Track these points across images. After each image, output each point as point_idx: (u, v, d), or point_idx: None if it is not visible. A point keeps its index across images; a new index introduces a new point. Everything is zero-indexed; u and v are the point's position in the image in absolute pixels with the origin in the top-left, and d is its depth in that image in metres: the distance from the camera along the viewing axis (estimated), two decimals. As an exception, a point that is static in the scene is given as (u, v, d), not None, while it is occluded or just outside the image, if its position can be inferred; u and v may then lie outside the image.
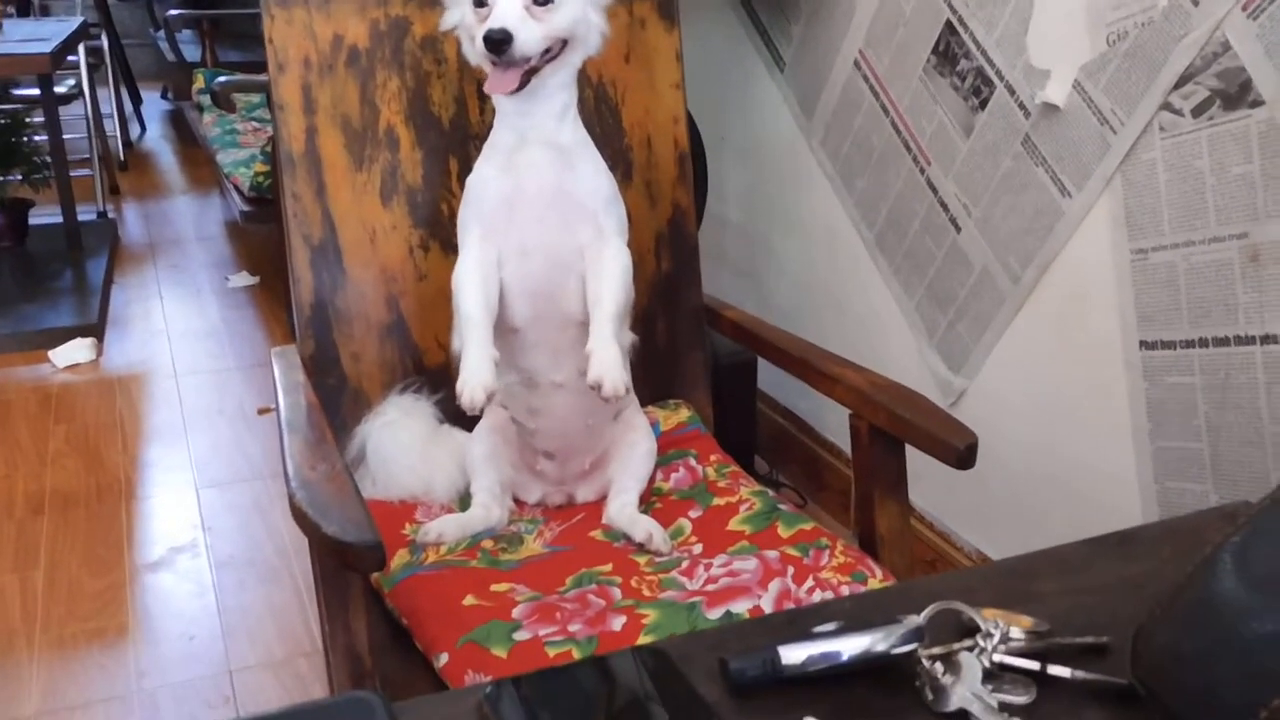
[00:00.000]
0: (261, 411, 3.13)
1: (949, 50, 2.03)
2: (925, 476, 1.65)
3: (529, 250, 1.57)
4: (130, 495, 2.77)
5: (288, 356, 1.70)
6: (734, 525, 1.60)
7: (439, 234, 1.78)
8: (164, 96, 6.79)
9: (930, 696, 0.75)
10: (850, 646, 0.75)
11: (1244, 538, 0.69)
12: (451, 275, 1.57)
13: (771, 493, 1.69)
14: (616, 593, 1.45)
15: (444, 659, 1.33)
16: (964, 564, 2.17)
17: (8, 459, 2.93)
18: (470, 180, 1.60)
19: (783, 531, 1.56)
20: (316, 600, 1.41)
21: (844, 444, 2.44)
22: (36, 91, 4.14)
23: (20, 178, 4.17)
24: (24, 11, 5.90)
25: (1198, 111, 1.60)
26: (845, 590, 1.44)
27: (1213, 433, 1.65)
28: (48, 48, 3.88)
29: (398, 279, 1.76)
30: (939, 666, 0.76)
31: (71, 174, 4.21)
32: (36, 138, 4.23)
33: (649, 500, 1.70)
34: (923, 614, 0.78)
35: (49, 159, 4.12)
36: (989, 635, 0.78)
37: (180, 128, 6.19)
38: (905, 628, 0.75)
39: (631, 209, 1.70)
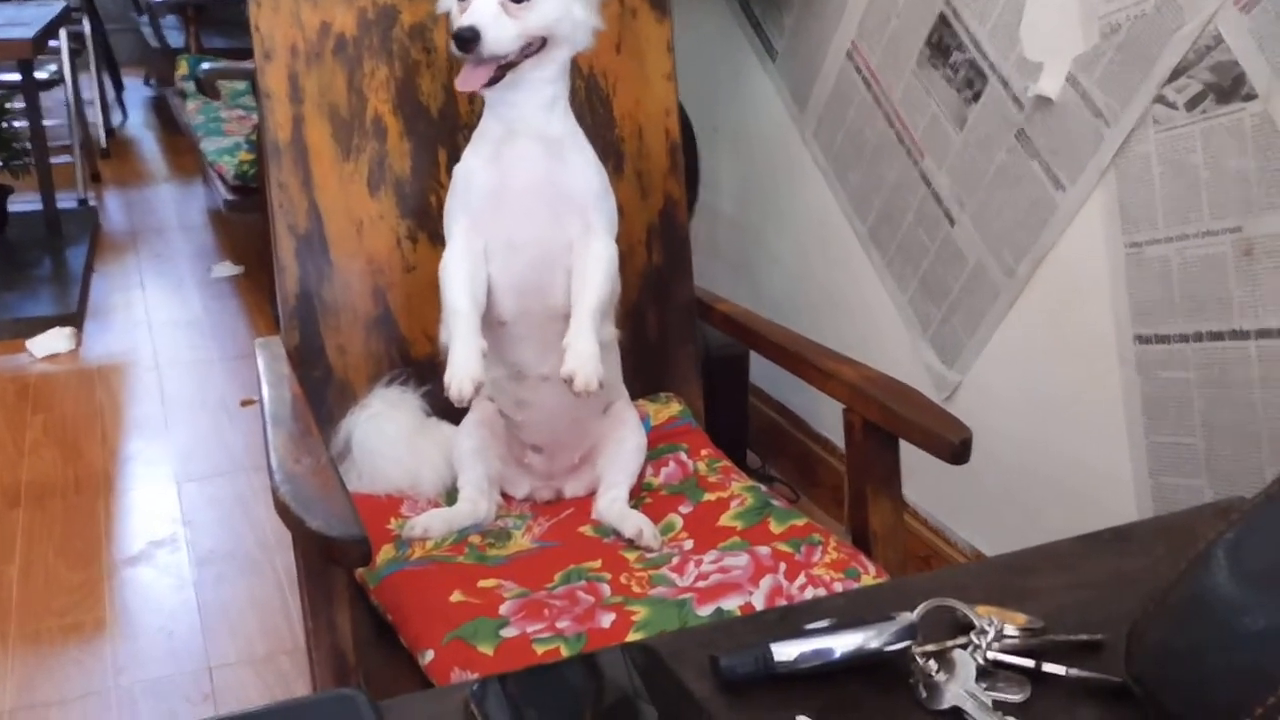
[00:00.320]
0: (244, 404, 3.12)
1: (942, 42, 2.03)
2: (919, 472, 1.66)
3: (517, 244, 1.57)
4: (109, 488, 2.76)
5: (272, 348, 1.70)
6: (725, 521, 1.61)
7: (427, 225, 1.78)
8: (147, 83, 6.76)
9: (924, 694, 0.75)
10: (843, 644, 0.75)
11: (1238, 533, 0.70)
12: (439, 267, 1.58)
13: (763, 488, 1.69)
14: (606, 589, 1.45)
15: (430, 656, 1.33)
16: (958, 560, 2.17)
17: (-15, 451, 2.92)
18: (457, 170, 1.60)
19: (775, 527, 1.57)
20: (299, 596, 1.41)
21: (837, 439, 2.45)
22: (17, 77, 4.12)
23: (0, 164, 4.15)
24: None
25: (1191, 105, 1.60)
26: (838, 587, 1.44)
27: (1207, 428, 1.66)
28: (29, 33, 3.86)
29: (385, 270, 1.76)
30: (933, 664, 0.76)
31: (52, 161, 4.20)
32: (16, 124, 4.21)
33: (639, 495, 1.70)
34: (916, 611, 0.78)
35: (29, 145, 4.10)
36: (983, 632, 0.78)
37: (163, 115, 6.17)
38: (899, 625, 0.76)
39: (623, 200, 1.70)
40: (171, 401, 3.20)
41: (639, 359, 1.88)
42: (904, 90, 2.14)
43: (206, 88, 4.81)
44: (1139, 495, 1.78)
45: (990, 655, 0.77)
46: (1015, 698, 0.75)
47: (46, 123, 4.19)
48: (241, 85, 4.79)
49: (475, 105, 1.77)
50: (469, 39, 1.47)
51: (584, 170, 1.58)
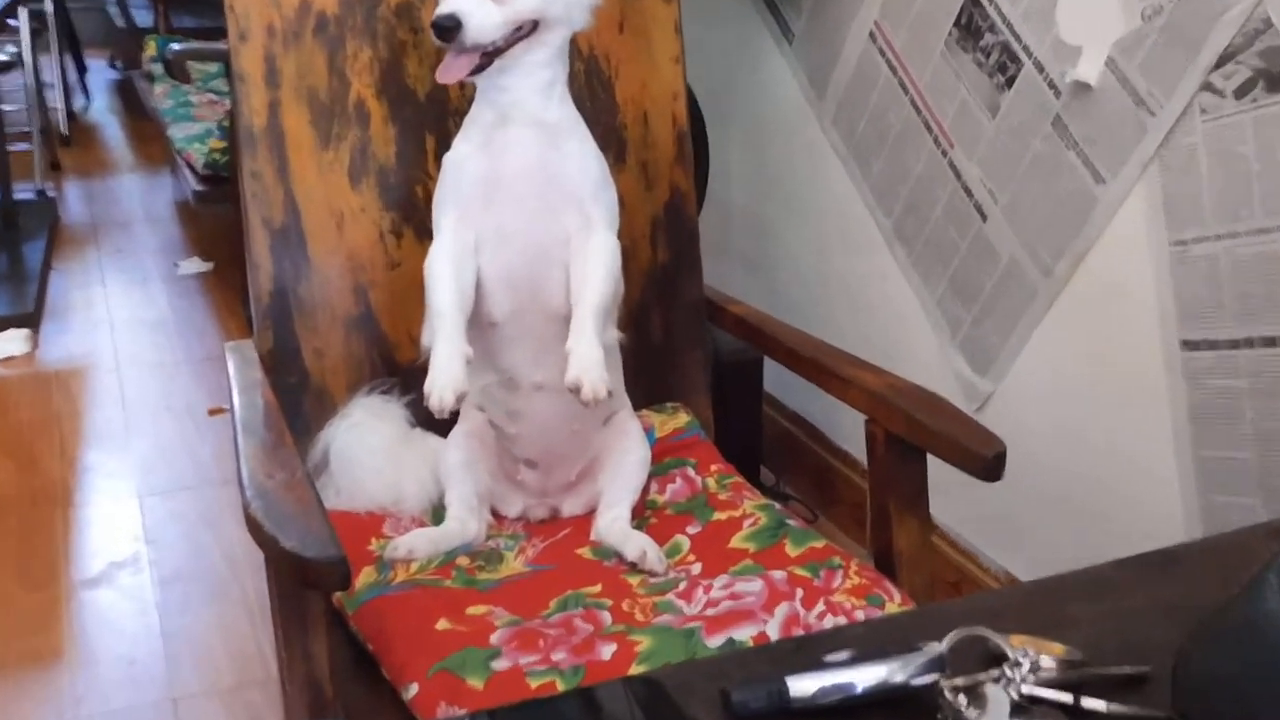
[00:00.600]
0: (213, 412, 3.12)
1: (972, 23, 2.03)
2: (948, 489, 1.65)
3: (508, 236, 1.56)
4: (67, 502, 2.76)
5: (243, 351, 1.70)
6: (736, 542, 1.60)
7: (413, 218, 1.78)
8: (112, 65, 6.77)
9: (952, 732, 0.75)
10: (865, 677, 0.75)
11: (1297, 558, 0.69)
12: (424, 263, 1.57)
13: (778, 506, 1.69)
14: (606, 617, 1.45)
15: (414, 689, 1.32)
16: (990, 585, 2.17)
17: (-67, 462, 2.93)
18: (447, 158, 1.60)
19: (791, 549, 1.56)
20: (271, 622, 1.41)
21: (859, 453, 2.44)
22: (-30, 59, 4.14)
23: (-49, 153, 4.16)
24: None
25: (1240, 93, 1.60)
26: (860, 615, 1.44)
27: (1260, 440, 1.65)
28: (-16, 11, 3.87)
29: (367, 267, 1.76)
30: (963, 699, 0.76)
31: (9, 148, 4.20)
32: (-30, 109, 4.23)
33: (642, 515, 1.70)
34: (945, 641, 0.78)
35: (-17, 133, 4.11)
36: (1017, 664, 0.78)
37: (129, 99, 6.18)
38: (925, 656, 0.75)
39: (625, 192, 1.70)
40: (134, 408, 3.20)
41: (642, 365, 1.88)
42: (931, 75, 2.14)
43: (176, 70, 4.81)
44: (1186, 514, 1.78)
45: (1025, 689, 0.77)
46: (1052, 736, 0.75)
47: (4, 108, 4.20)
48: (213, 68, 4.80)
49: (466, 89, 1.77)
50: (449, 28, 1.47)
51: (582, 159, 1.58)
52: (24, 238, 4.20)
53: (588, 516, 1.68)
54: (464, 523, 1.63)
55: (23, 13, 4.64)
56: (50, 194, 4.73)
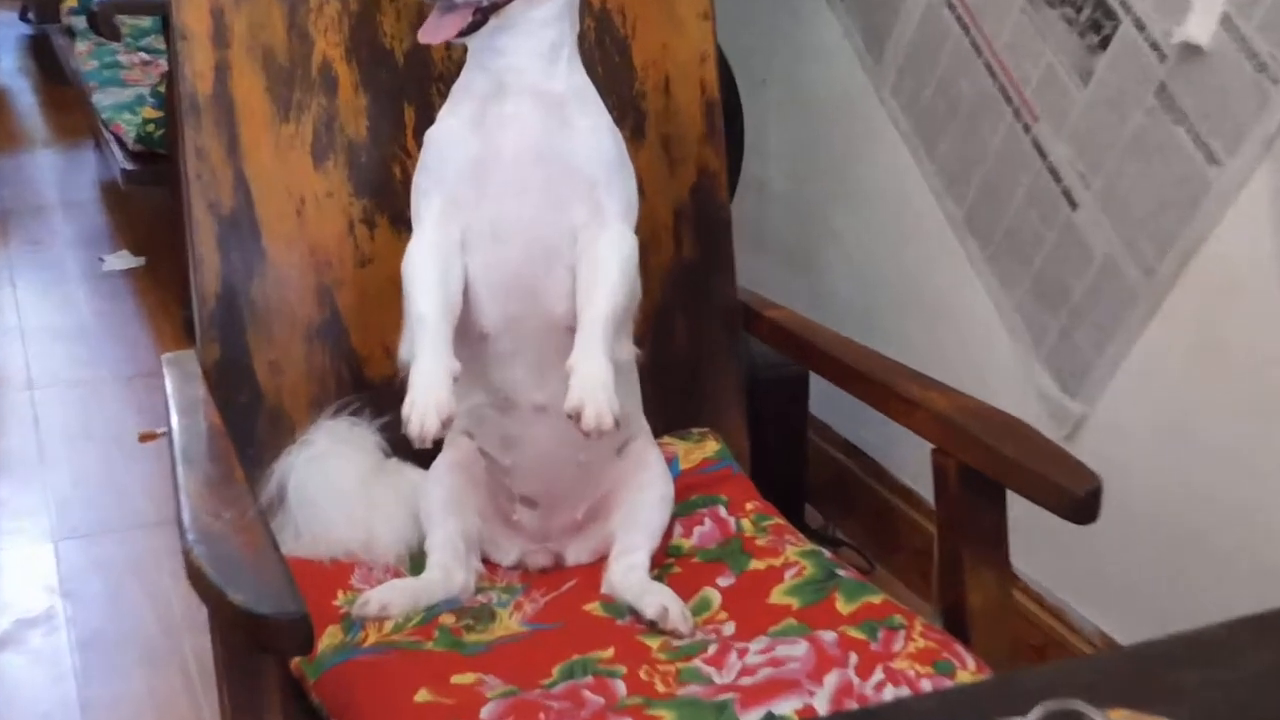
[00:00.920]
0: (145, 438, 3.13)
1: (1064, -31, 2.04)
2: (1032, 533, 1.65)
3: (504, 231, 1.57)
4: (-31, 548, 2.78)
5: (183, 365, 1.71)
6: (777, 597, 1.61)
7: (388, 205, 1.79)
8: (23, 18, 6.80)
9: (1038, 825, 0.75)
10: (933, 759, 0.76)
11: None
12: (402, 261, 1.58)
13: (827, 554, 1.70)
14: (620, 687, 1.45)
15: (389, 772, 1.34)
16: (1082, 650, 2.17)
17: None
18: (430, 135, 1.61)
19: (843, 606, 1.57)
20: (216, 693, 1.42)
21: (925, 490, 2.44)
22: None
23: None
24: None
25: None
26: (926, 685, 1.44)
27: None
28: None
29: (333, 264, 1.77)
30: (1050, 786, 0.76)
31: (-102, 120, 4.24)
32: None
33: (664, 563, 1.71)
34: (1030, 716, 0.79)
35: None
36: (1116, 745, 0.79)
37: (44, 59, 6.20)
38: (1006, 734, 0.76)
39: (644, 175, 1.71)
40: (49, 434, 3.20)
41: (664, 383, 1.88)
42: (1011, 34, 2.15)
43: (102, 25, 4.83)
44: (1321, 566, 1.78)
45: (1126, 775, 0.78)
46: (1158, 831, 0.76)
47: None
48: (147, 22, 4.81)
49: (454, 51, 1.78)
50: None
51: (594, 137, 1.59)
52: (-83, 227, 4.23)
53: (598, 565, 1.69)
54: (448, 572, 1.64)
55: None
56: (-53, 175, 4.76)
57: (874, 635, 1.50)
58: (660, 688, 1.45)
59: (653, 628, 1.57)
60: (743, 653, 1.49)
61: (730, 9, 2.43)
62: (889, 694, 1.42)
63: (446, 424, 1.47)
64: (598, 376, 1.48)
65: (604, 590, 1.65)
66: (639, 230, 1.62)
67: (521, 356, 1.61)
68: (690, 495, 1.79)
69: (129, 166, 3.78)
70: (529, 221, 1.58)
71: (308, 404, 1.76)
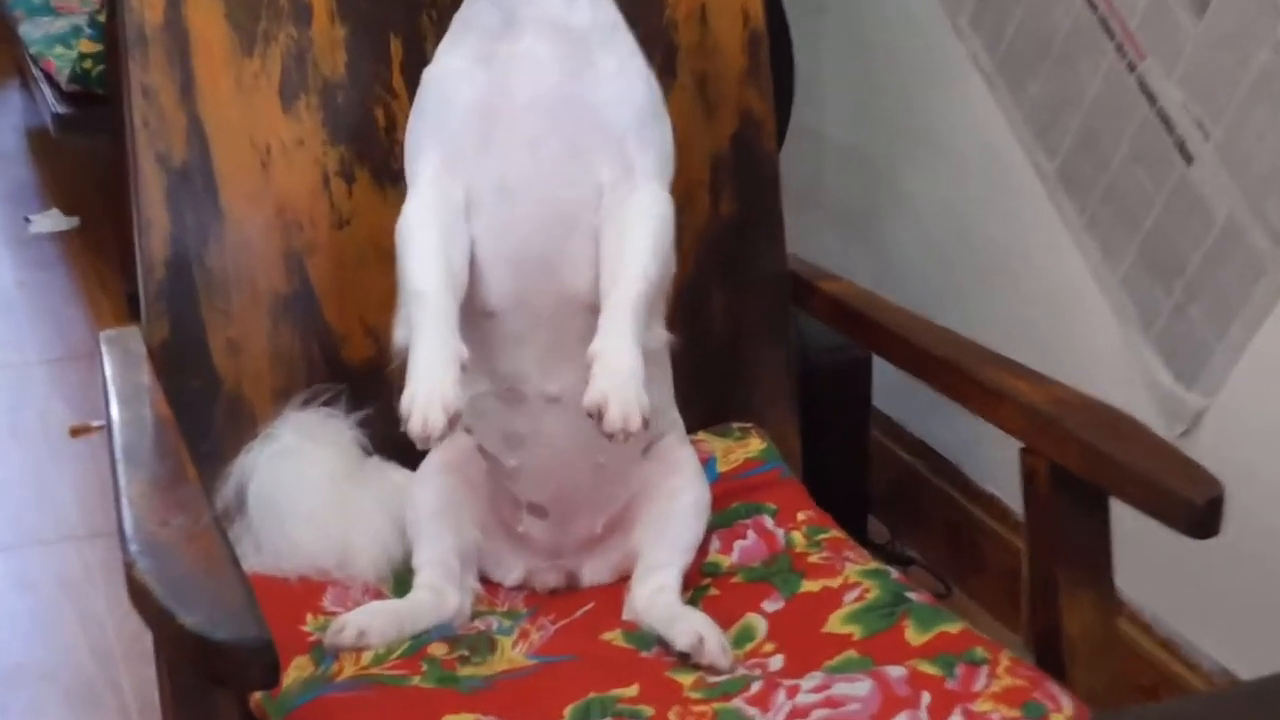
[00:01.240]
0: (77, 432, 3.14)
1: (1182, -127, 2.04)
2: (1140, 550, 1.65)
3: (515, 191, 1.58)
4: None
5: (126, 344, 1.71)
6: (835, 625, 1.61)
7: (369, 156, 1.79)
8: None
9: None
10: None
11: None
12: (395, 225, 1.58)
13: (894, 573, 1.69)
14: (646, 731, 1.46)
15: (370, 833, 1.35)
16: (1199, 688, 2.16)
17: None
18: (428, 75, 1.61)
19: (913, 636, 1.57)
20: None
21: (1010, 497, 2.44)
22: None
23: None
24: None
25: None
26: (1014, 730, 1.44)
27: None
28: None
29: (305, 225, 1.78)
30: None
31: None
32: None
33: (698, 584, 1.71)
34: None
35: None
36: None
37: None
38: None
39: (675, 120, 1.70)
40: (-36, 428, 3.22)
41: (698, 369, 1.88)
42: (1118, -50, 2.15)
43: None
44: None
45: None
46: None
47: None
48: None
49: (449, -29, 1.79)
50: None
51: (623, 80, 1.59)
52: None
53: (619, 586, 1.69)
54: (439, 594, 1.64)
55: None
56: None
57: (951, 671, 1.50)
58: (694, 732, 1.45)
59: (685, 661, 1.56)
60: (793, 691, 1.48)
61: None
62: (969, 740, 1.43)
63: (454, 421, 1.46)
64: (625, 367, 1.48)
65: (626, 616, 1.65)
66: (672, 186, 1.63)
67: (533, 339, 1.62)
68: (730, 503, 1.79)
69: (61, 110, 3.78)
70: (545, 180, 1.58)
71: (272, 392, 1.76)
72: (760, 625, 1.64)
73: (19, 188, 4.43)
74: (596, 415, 1.46)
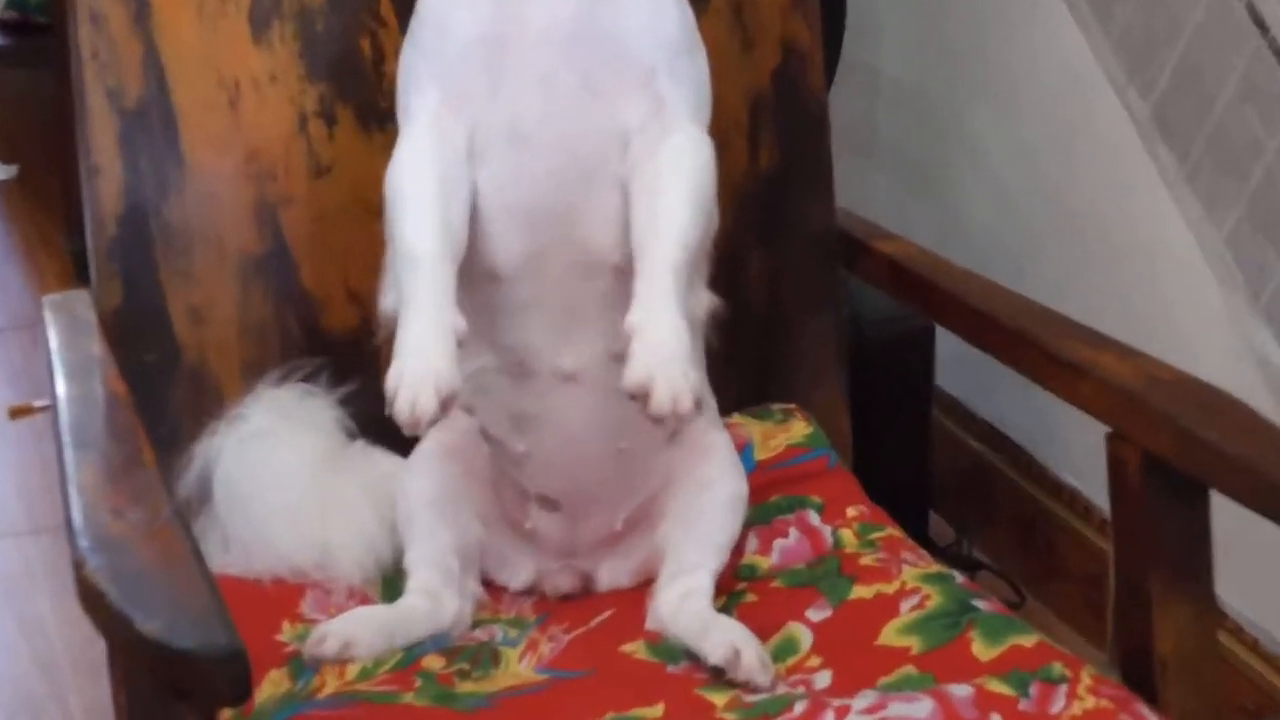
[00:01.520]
0: (17, 413, 3.15)
1: None
2: (1245, 552, 1.66)
3: (526, 135, 1.59)
4: None
5: (73, 311, 1.72)
6: (891, 637, 1.61)
7: (353, 93, 1.80)
8: None
9: None
10: None
11: None
12: (383, 174, 1.59)
13: (960, 578, 1.70)
14: (672, 757, 1.48)
15: None
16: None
17: None
18: (424, 1, 1.61)
19: (981, 650, 1.57)
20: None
21: (1094, 491, 2.44)
22: None
23: None
24: None
25: None
26: (1099, 757, 1.45)
27: None
28: None
29: (278, 174, 1.79)
30: None
31: None
32: None
33: (734, 589, 1.72)
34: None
35: None
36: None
37: None
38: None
39: (709, 56, 1.71)
40: (-114, 408, 3.24)
41: (734, 342, 1.87)
42: None
43: None
44: None
45: None
46: None
47: None
48: None
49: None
50: None
51: (649, 6, 1.60)
52: None
53: (642, 591, 1.70)
54: (435, 599, 1.65)
55: None
56: None
57: (1025, 690, 1.50)
58: (728, 759, 1.47)
59: (718, 678, 1.57)
60: (843, 712, 1.49)
61: None
62: (1046, 769, 1.44)
63: (447, 404, 1.46)
64: (670, 341, 1.47)
65: (650, 625, 1.66)
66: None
67: (545, 306, 1.62)
68: (770, 495, 1.80)
69: (-3, 41, 3.79)
70: (561, 123, 1.59)
71: (242, 366, 1.78)
72: (805, 637, 1.64)
73: (-54, 132, 4.44)
74: (642, 397, 1.45)
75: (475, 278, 1.60)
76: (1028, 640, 1.59)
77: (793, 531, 1.78)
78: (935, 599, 1.65)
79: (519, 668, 1.63)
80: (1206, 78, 2.21)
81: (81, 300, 1.74)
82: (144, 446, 1.48)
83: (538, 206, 1.60)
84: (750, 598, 1.71)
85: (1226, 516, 1.54)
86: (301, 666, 1.58)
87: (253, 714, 1.52)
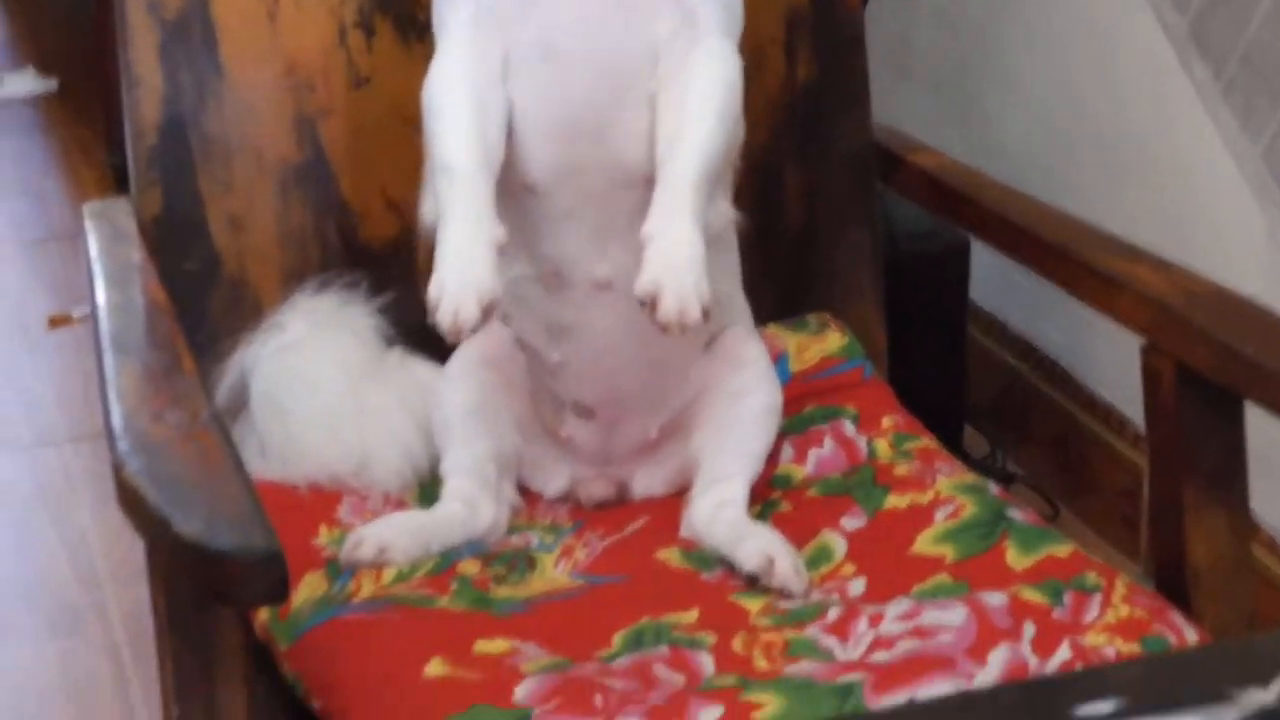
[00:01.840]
0: (57, 323, 3.15)
1: None
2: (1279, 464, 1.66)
3: (560, 50, 1.58)
4: None
5: (113, 219, 1.73)
6: (925, 546, 1.62)
7: (393, 6, 1.80)
8: None
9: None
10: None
11: None
12: (421, 86, 1.59)
13: (994, 488, 1.70)
14: (706, 662, 1.47)
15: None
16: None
17: None
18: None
19: (1015, 559, 1.58)
20: (160, 667, 1.44)
21: (1129, 404, 2.44)
22: None
23: None
24: None
25: None
26: (1130, 664, 1.45)
27: None
28: None
29: (317, 86, 1.78)
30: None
31: None
32: None
33: (768, 497, 1.72)
34: (1273, 688, 0.79)
35: None
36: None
37: None
38: (1242, 710, 0.77)
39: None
40: (-74, 320, 3.25)
41: (770, 254, 1.89)
42: None
43: None
44: None
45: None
46: None
47: None
48: None
49: None
50: None
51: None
52: None
53: (676, 499, 1.71)
54: (471, 505, 1.66)
55: None
56: None
57: (1058, 599, 1.51)
58: (761, 664, 1.47)
59: (752, 584, 1.58)
60: (876, 619, 1.50)
61: None
62: (1079, 674, 1.44)
63: (488, 312, 1.48)
64: (682, 250, 1.49)
65: (684, 533, 1.66)
66: (740, 47, 1.63)
67: (579, 217, 1.63)
68: (805, 406, 1.80)
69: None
70: (593, 36, 1.59)
71: (280, 274, 1.78)
72: (839, 545, 1.65)
73: (-15, 44, 4.43)
74: (650, 304, 1.47)
75: (512, 189, 1.60)
76: (1062, 550, 1.59)
77: (828, 441, 1.78)
78: (970, 509, 1.65)
79: (554, 573, 1.64)
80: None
81: (121, 208, 1.75)
82: (183, 353, 1.49)
83: (571, 120, 1.60)
84: (785, 507, 1.72)
85: (1261, 430, 1.53)
86: (338, 570, 1.59)
87: (289, 616, 1.53)
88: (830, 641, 1.49)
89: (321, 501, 1.69)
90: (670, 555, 1.65)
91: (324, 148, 1.79)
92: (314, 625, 1.52)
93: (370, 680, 1.44)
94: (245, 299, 1.77)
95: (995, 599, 1.50)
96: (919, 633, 1.47)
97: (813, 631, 1.50)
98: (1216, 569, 1.55)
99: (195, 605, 1.33)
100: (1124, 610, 1.50)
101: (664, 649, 1.49)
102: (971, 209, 1.84)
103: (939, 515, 1.65)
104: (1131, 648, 1.46)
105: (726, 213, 1.66)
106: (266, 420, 1.70)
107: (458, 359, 1.72)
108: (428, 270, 1.50)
